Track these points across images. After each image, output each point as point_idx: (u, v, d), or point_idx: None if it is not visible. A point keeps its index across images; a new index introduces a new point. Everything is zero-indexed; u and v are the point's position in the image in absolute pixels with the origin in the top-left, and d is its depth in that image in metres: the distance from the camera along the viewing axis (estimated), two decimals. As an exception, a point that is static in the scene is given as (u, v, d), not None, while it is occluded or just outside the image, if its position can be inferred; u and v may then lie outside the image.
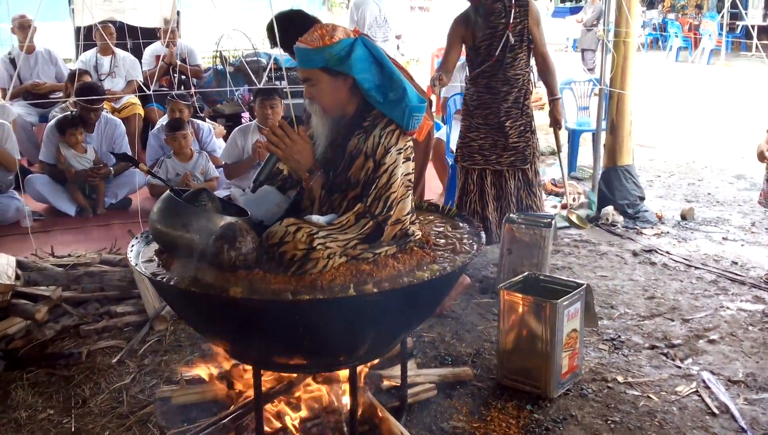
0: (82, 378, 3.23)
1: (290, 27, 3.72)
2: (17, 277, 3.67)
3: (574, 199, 5.78)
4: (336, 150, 2.50)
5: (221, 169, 5.83)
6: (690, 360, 3.42)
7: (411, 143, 2.52)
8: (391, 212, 2.39)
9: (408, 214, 2.48)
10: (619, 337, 3.63)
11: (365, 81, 2.43)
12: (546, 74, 4.37)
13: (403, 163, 2.43)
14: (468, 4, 4.22)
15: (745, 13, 17.84)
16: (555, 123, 4.47)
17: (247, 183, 5.36)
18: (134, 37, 7.91)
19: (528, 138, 4.30)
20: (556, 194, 6.04)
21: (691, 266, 4.59)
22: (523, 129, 4.27)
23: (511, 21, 4.09)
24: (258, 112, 5.47)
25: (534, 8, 4.21)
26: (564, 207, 5.69)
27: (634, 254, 4.81)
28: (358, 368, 2.65)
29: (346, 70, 2.41)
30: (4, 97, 6.53)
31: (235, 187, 5.14)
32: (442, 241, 2.65)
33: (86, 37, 7.09)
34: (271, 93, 5.43)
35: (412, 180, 2.52)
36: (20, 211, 5.26)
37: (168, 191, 2.45)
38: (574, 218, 5.04)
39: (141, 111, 6.90)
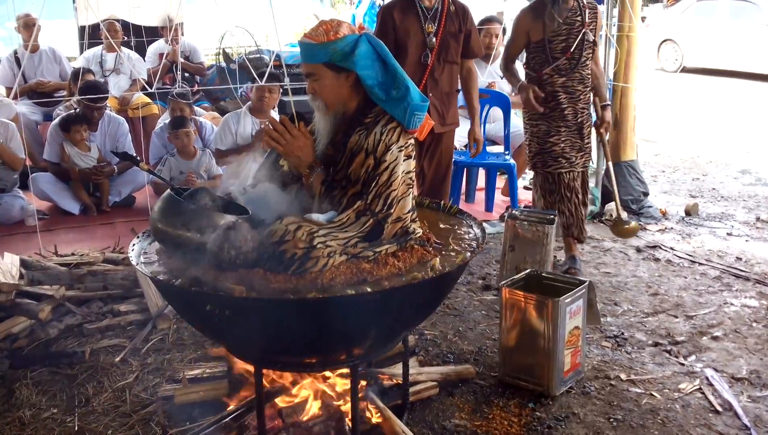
0: (86, 377, 3.23)
1: None
2: (21, 277, 3.69)
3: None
4: (337, 146, 2.49)
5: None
6: (693, 357, 3.40)
7: (412, 141, 2.51)
8: (392, 210, 2.38)
9: (408, 212, 2.47)
10: (623, 334, 3.62)
11: (368, 77, 2.43)
12: (597, 79, 4.36)
13: (404, 160, 2.43)
14: None
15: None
16: (604, 128, 4.47)
17: (244, 172, 5.37)
18: (137, 36, 7.92)
19: (591, 140, 4.35)
20: None
21: (695, 262, 4.57)
22: (590, 130, 4.31)
23: (587, 20, 4.10)
24: (255, 94, 5.52)
25: (600, 16, 4.27)
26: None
27: (638, 250, 4.79)
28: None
29: (350, 66, 2.41)
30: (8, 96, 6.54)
31: (235, 185, 5.14)
32: (443, 238, 2.65)
33: (91, 36, 7.10)
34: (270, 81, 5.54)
35: (413, 178, 2.52)
36: (25, 210, 5.27)
37: (168, 190, 2.45)
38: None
39: (156, 109, 6.89)
